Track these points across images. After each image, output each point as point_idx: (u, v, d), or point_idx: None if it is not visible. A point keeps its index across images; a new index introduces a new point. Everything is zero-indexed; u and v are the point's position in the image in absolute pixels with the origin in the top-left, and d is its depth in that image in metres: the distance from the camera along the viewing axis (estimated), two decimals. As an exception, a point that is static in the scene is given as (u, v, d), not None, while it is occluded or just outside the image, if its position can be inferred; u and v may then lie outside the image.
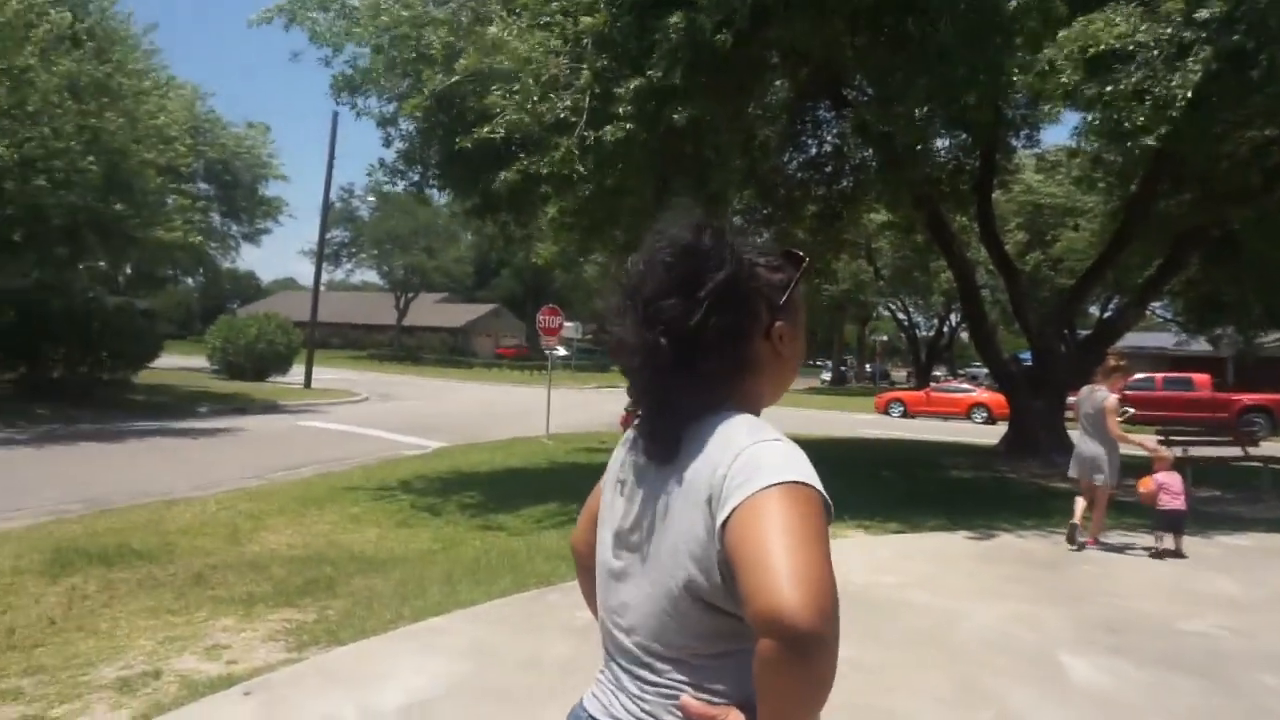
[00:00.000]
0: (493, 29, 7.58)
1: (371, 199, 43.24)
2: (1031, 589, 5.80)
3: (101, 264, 21.32)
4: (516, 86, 7.37)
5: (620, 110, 7.15)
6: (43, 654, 4.11)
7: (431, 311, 57.51)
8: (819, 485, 0.98)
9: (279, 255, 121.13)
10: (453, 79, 7.72)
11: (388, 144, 9.90)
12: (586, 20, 7.33)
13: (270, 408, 20.10)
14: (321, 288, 26.71)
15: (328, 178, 19.86)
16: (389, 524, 7.76)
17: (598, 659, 1.21)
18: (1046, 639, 4.70)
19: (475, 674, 3.85)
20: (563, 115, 7.25)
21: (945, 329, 41.81)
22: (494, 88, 7.50)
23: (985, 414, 25.43)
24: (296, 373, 27.23)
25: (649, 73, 7.08)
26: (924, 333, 44.39)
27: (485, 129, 7.59)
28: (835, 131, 13.58)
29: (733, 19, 6.85)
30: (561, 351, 53.26)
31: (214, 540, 6.88)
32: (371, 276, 58.16)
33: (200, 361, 29.31)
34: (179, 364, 28.55)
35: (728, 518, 0.95)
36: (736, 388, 1.12)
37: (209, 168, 20.40)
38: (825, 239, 15.09)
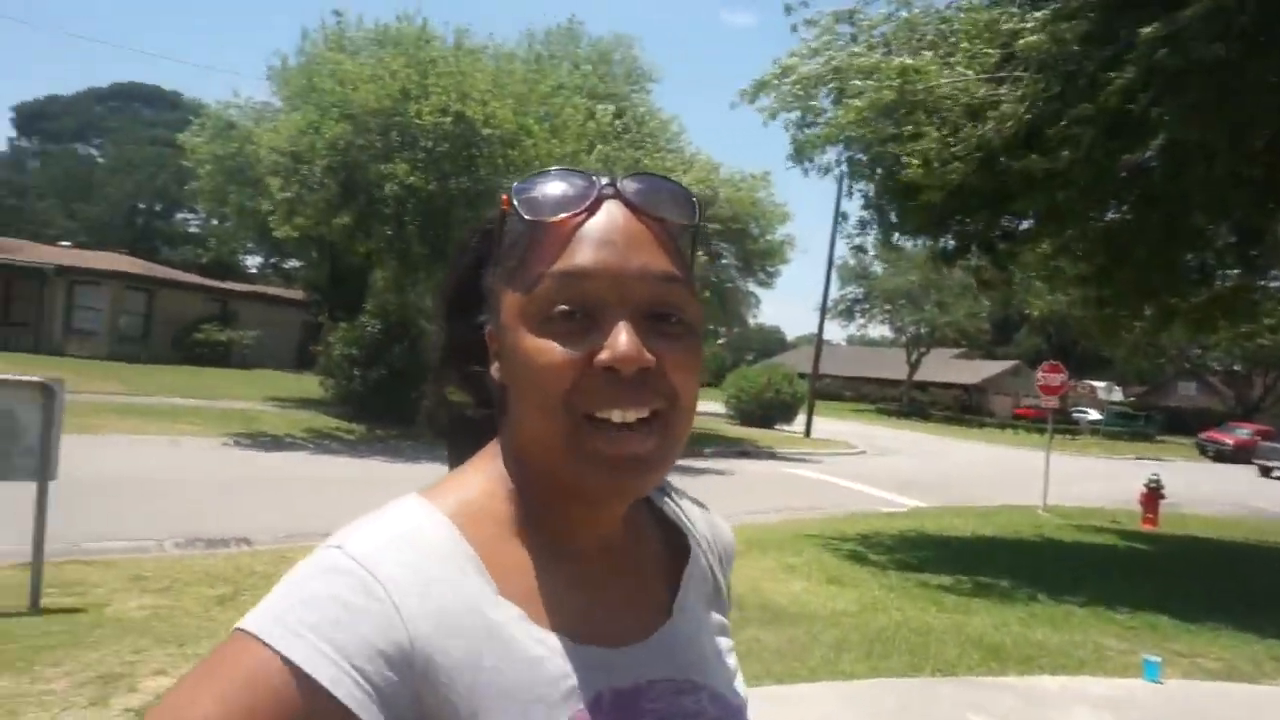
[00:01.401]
0: (900, 60, 7.11)
1: (870, 254, 43.65)
2: None
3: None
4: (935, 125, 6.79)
5: (1066, 135, 6.08)
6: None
7: (945, 367, 55.67)
8: (295, 643, 0.55)
9: (804, 313, 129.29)
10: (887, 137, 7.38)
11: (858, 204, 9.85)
12: (1028, 41, 6.40)
13: (768, 454, 21.27)
14: (840, 342, 27.84)
15: (832, 237, 20.62)
16: (819, 578, 7.53)
17: None
18: None
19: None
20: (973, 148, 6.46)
21: None
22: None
23: None
24: (801, 422, 28.48)
25: (1108, 87, 5.88)
26: None
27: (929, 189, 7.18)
28: None
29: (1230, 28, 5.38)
30: (1093, 415, 47.26)
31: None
32: (888, 331, 58.61)
33: (720, 408, 32.38)
34: (704, 409, 31.89)
35: None
36: (487, 455, 0.73)
37: (724, 226, 22.51)
38: None
